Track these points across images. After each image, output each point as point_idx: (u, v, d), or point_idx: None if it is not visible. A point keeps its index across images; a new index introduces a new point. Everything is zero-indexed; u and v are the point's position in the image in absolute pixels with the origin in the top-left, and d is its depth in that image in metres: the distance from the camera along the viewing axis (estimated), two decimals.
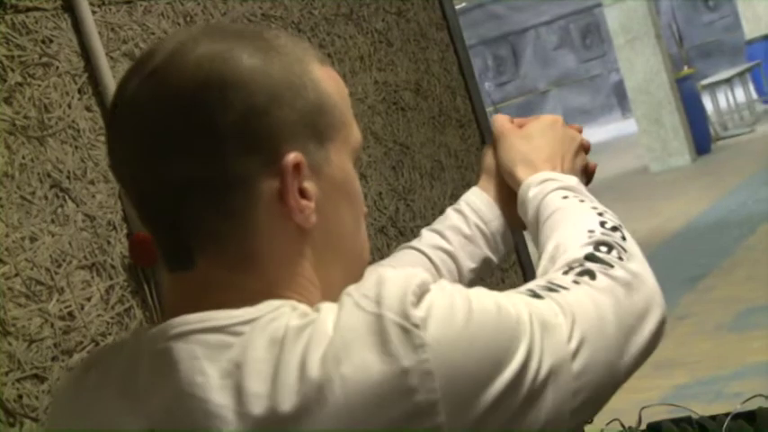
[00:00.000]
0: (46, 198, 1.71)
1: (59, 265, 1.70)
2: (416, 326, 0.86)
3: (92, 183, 1.78)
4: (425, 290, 0.90)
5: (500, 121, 1.42)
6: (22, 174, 1.68)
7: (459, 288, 0.93)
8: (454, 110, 2.67)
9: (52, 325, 1.66)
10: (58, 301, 1.68)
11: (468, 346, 0.87)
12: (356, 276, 1.04)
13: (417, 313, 0.87)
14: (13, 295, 1.62)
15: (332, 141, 1.00)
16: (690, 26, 20.80)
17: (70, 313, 1.69)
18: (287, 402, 0.85)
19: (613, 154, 15.63)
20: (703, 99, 14.50)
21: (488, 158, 1.43)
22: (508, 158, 1.37)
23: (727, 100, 15.71)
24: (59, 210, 1.72)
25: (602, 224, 1.14)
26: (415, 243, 1.44)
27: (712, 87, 15.57)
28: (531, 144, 1.37)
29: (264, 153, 0.95)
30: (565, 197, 1.25)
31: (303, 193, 0.96)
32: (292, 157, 0.95)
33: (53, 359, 1.65)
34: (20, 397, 1.60)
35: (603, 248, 1.09)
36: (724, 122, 15.35)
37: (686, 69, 14.55)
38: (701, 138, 13.52)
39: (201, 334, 0.91)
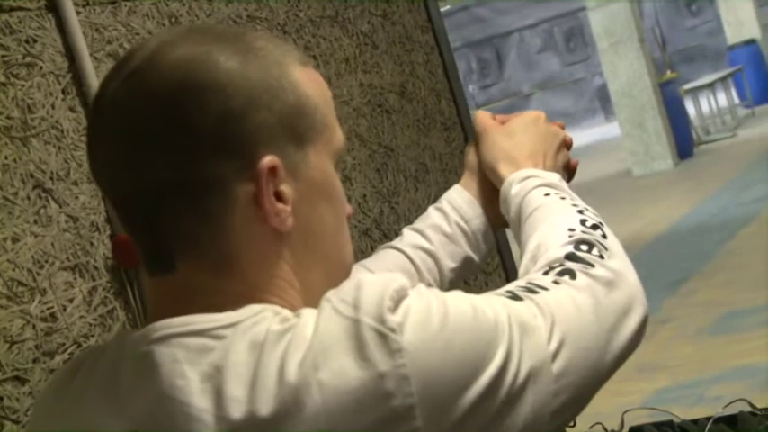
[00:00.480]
0: (29, 199, 1.69)
1: (42, 266, 1.68)
2: (393, 330, 0.85)
3: (75, 184, 1.77)
4: (403, 295, 0.89)
5: (482, 118, 1.41)
6: (4, 174, 1.66)
7: (437, 292, 0.92)
8: (439, 113, 2.67)
9: (34, 326, 1.65)
10: (39, 302, 1.67)
11: (445, 351, 0.87)
12: (339, 279, 1.03)
13: (394, 318, 0.86)
14: None
15: (312, 144, 0.99)
16: (673, 30, 20.87)
17: (52, 314, 1.68)
18: (265, 407, 0.85)
19: (596, 158, 15.65)
20: (686, 103, 14.54)
21: (471, 156, 1.42)
22: (490, 155, 1.36)
23: (710, 104, 15.76)
24: (42, 211, 1.71)
25: (583, 222, 1.14)
26: (395, 243, 1.43)
27: (695, 92, 15.61)
28: (514, 141, 1.36)
29: (241, 157, 0.94)
30: (546, 194, 1.24)
31: (279, 197, 0.96)
32: (267, 160, 0.94)
33: (34, 361, 1.64)
34: (0, 399, 1.58)
35: (584, 247, 1.08)
36: (706, 127, 15.40)
37: (669, 74, 14.61)
38: (684, 142, 13.56)
39: (183, 337, 0.91)
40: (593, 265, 1.05)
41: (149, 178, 0.94)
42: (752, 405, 1.89)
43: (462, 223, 1.39)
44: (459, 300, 0.92)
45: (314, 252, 1.01)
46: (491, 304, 0.94)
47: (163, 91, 0.94)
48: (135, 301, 1.81)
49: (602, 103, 20.20)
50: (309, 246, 1.00)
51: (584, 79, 21.73)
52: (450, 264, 1.39)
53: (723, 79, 16.26)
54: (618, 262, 1.08)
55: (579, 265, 1.05)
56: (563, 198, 1.23)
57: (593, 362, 0.98)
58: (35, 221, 1.69)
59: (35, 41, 1.76)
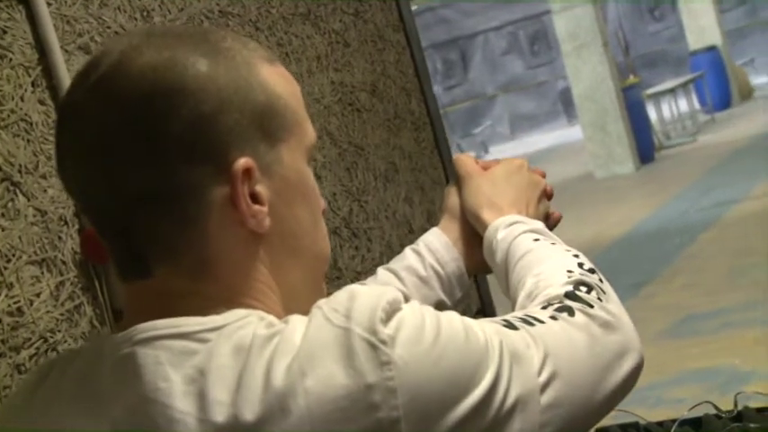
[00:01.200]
0: None
1: (9, 260, 1.66)
2: (384, 342, 0.85)
3: (44, 177, 1.75)
4: (396, 308, 0.89)
5: (465, 162, 1.39)
6: None
7: (431, 309, 0.92)
8: (409, 112, 2.66)
9: (0, 321, 1.62)
10: (6, 296, 1.64)
11: (434, 367, 0.86)
12: (317, 277, 1.04)
13: (386, 330, 0.85)
14: None
15: (284, 142, 0.98)
16: (636, 35, 21.01)
17: (19, 309, 1.65)
18: (250, 411, 0.83)
19: (559, 160, 15.73)
20: (648, 108, 14.64)
21: (452, 199, 1.40)
22: (474, 201, 1.35)
23: (671, 110, 15.89)
24: (10, 204, 1.68)
25: (581, 265, 1.14)
26: (369, 282, 1.41)
27: (657, 97, 15.73)
28: (497, 188, 1.35)
29: (214, 160, 0.93)
30: (536, 239, 1.23)
31: (255, 198, 0.94)
32: (242, 162, 0.93)
33: (0, 356, 1.61)
34: None
35: (583, 288, 1.08)
36: (667, 132, 15.51)
37: (632, 78, 14.69)
38: (645, 146, 13.65)
39: (167, 340, 0.89)
40: (592, 306, 1.05)
41: (122, 187, 0.93)
42: (716, 408, 1.90)
43: (438, 267, 1.38)
44: (453, 320, 0.92)
45: (292, 252, 1.00)
46: (484, 328, 0.93)
47: (132, 99, 0.92)
48: (103, 297, 1.79)
49: (565, 106, 20.29)
50: (287, 245, 0.99)
51: (547, 82, 21.83)
52: None
53: (684, 85, 16.40)
54: (615, 306, 1.08)
55: (578, 304, 1.05)
56: (553, 243, 1.23)
57: (584, 399, 0.98)
58: (2, 214, 1.66)
59: (4, 33, 1.74)
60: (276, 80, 0.99)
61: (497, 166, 1.39)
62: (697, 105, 16.59)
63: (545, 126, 21.17)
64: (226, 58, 0.95)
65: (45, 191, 1.74)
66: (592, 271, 1.12)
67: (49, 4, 1.79)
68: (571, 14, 13.60)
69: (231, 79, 0.94)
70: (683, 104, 16.02)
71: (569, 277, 1.10)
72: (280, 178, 0.97)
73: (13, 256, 1.66)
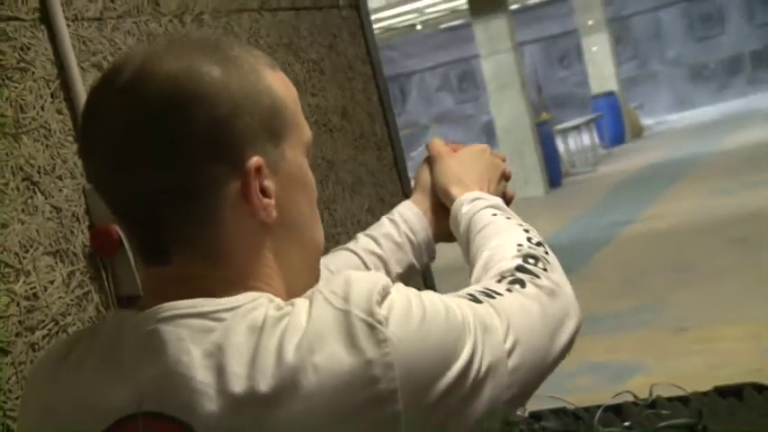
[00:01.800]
0: (18, 189, 1.61)
1: (27, 251, 1.60)
2: (380, 323, 0.83)
3: (59, 178, 1.69)
4: (387, 291, 0.87)
5: (437, 145, 1.40)
6: None
7: (414, 291, 0.91)
8: (373, 134, 2.63)
9: (18, 304, 1.57)
10: (24, 282, 1.58)
11: (423, 343, 0.85)
12: (314, 262, 1.02)
13: (381, 312, 0.84)
14: None
15: (286, 140, 0.96)
16: (548, 80, 21.22)
17: (35, 294, 1.60)
18: (264, 384, 0.81)
19: None
20: (557, 141, 14.81)
21: (424, 175, 1.40)
22: (444, 178, 1.35)
23: (576, 143, 16.08)
24: (29, 201, 1.63)
25: (529, 239, 1.14)
26: (351, 245, 1.40)
27: (565, 132, 15.91)
28: (464, 167, 1.35)
29: (229, 160, 0.90)
30: (494, 214, 1.23)
31: (264, 192, 0.92)
32: (254, 161, 0.90)
33: (17, 335, 1.55)
34: None
35: (531, 260, 1.08)
36: (573, 161, 15.68)
37: (544, 115, 14.81)
38: (554, 173, 13.80)
39: (187, 318, 0.87)
40: (539, 277, 1.05)
41: (146, 183, 0.90)
42: (635, 396, 1.89)
43: (410, 234, 1.38)
44: (434, 299, 0.90)
45: (294, 240, 0.98)
46: (458, 305, 0.92)
47: (156, 103, 0.88)
48: (108, 286, 1.73)
49: (488, 137, 20.40)
50: (290, 234, 0.97)
51: (473, 116, 21.96)
52: (397, 269, 1.37)
53: (587, 123, 16.61)
54: (558, 275, 1.08)
55: (527, 275, 1.04)
56: (509, 218, 1.23)
57: (539, 360, 0.98)
58: (23, 210, 1.61)
59: (29, 49, 1.68)
60: (278, 84, 0.96)
61: (464, 150, 1.39)
62: (597, 140, 16.81)
63: None
64: (236, 66, 0.93)
65: (60, 190, 1.68)
66: (539, 244, 1.13)
67: (68, 26, 1.74)
68: (495, 59, 13.71)
69: (242, 85, 0.92)
70: (586, 139, 16.23)
71: (519, 251, 1.10)
72: (284, 173, 0.95)
73: (31, 247, 1.61)
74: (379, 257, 1.36)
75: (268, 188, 0.92)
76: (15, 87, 1.64)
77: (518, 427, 1.89)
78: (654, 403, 1.84)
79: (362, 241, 1.39)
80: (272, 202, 0.92)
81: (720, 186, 10.30)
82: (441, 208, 1.36)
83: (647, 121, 19.36)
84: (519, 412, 1.96)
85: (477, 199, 1.27)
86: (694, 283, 6.67)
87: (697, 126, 17.59)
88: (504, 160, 1.40)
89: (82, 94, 1.73)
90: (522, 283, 1.03)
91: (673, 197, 10.48)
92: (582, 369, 5.14)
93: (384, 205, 2.55)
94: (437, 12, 16.95)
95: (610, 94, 17.48)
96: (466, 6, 14.70)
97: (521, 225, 1.19)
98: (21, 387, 1.53)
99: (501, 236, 1.16)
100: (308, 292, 0.89)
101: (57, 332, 1.61)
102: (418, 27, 18.77)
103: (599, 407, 1.89)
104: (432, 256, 1.43)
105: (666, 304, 6.30)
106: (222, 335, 0.84)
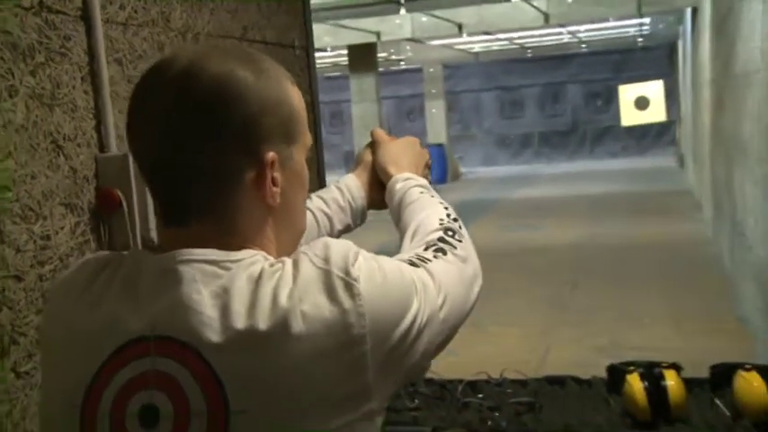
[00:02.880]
0: (46, 150, 1.49)
1: (47, 200, 1.48)
2: (355, 280, 0.80)
3: (79, 145, 1.57)
4: (357, 256, 0.84)
5: (379, 133, 1.36)
6: (33, 129, 1.46)
7: (374, 255, 0.88)
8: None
9: (35, 242, 1.45)
10: (41, 225, 1.46)
11: (386, 298, 0.82)
12: (297, 241, 0.97)
13: (354, 271, 0.81)
14: (12, 215, 1.40)
15: (296, 143, 0.91)
16: (397, 128, 21.41)
17: (48, 236, 1.48)
18: (262, 323, 0.77)
19: None
20: None
21: (367, 156, 1.34)
22: (384, 159, 1.30)
23: None
24: (53, 160, 1.51)
25: (448, 216, 1.11)
26: (307, 203, 1.34)
27: None
28: (400, 152, 1.30)
29: (251, 151, 0.85)
30: (422, 192, 1.20)
31: (274, 182, 0.87)
32: (271, 155, 0.86)
33: (31, 266, 1.44)
34: (3, 290, 1.37)
35: (450, 233, 1.05)
36: None
37: None
38: None
39: (200, 264, 0.82)
40: (455, 247, 1.02)
41: (182, 160, 0.83)
42: (489, 376, 1.90)
43: (351, 201, 1.33)
44: (390, 264, 0.88)
45: (288, 222, 0.93)
46: (407, 267, 0.90)
47: (201, 97, 0.83)
48: (104, 236, 1.62)
49: (347, 161, 20.43)
50: (286, 217, 0.92)
51: (338, 144, 21.85)
52: (338, 226, 1.32)
53: None
54: (469, 245, 1.05)
55: (448, 246, 1.02)
56: (433, 197, 1.19)
57: (460, 312, 0.96)
58: (48, 167, 1.49)
59: (69, 39, 1.56)
60: (296, 96, 0.91)
61: (401, 139, 1.35)
62: None
63: (332, 171, 21.20)
64: (266, 76, 0.87)
65: (78, 155, 1.57)
66: (455, 219, 1.10)
67: (102, 26, 1.62)
68: (362, 105, 13.81)
69: (269, 92, 0.86)
70: None
71: (441, 225, 1.07)
72: (290, 170, 0.90)
73: (50, 197, 1.49)
74: (327, 216, 1.31)
75: (277, 179, 0.87)
76: (56, 68, 1.51)
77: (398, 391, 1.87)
78: (502, 383, 1.86)
79: (316, 201, 1.33)
80: (278, 190, 0.88)
81: (509, 225, 10.66)
82: (376, 183, 1.32)
83: (463, 169, 19.83)
84: None
85: (409, 179, 1.24)
86: (488, 294, 6.80)
87: (498, 178, 18.17)
88: (429, 153, 1.38)
89: (105, 81, 1.62)
90: (444, 252, 1.00)
91: (477, 227, 10.69)
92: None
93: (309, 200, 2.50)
94: (323, 63, 16.88)
95: (440, 145, 17.76)
96: (346, 63, 14.73)
97: (441, 203, 1.15)
98: (29, 309, 1.41)
99: (426, 210, 1.13)
100: (294, 254, 0.85)
101: (60, 269, 1.49)
102: None
103: (461, 381, 1.90)
104: (363, 220, 1.38)
105: None
106: (228, 281, 0.80)
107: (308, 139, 0.94)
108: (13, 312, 1.38)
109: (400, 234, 1.13)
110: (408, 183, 1.23)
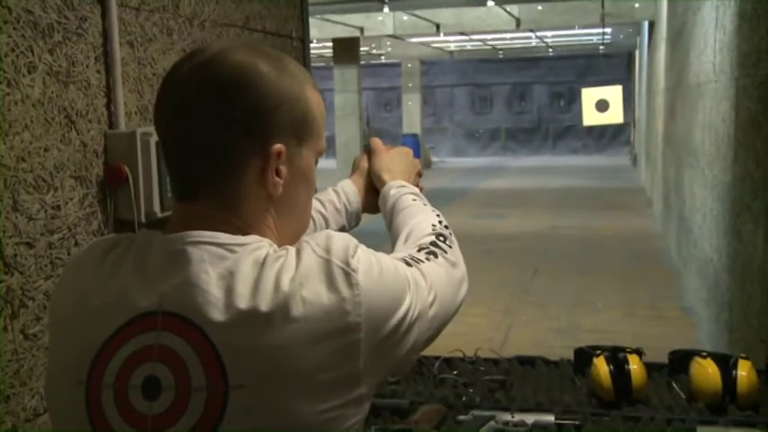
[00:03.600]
0: (60, 124, 1.46)
1: (59, 171, 1.45)
2: (354, 270, 0.79)
3: (90, 121, 1.54)
4: (357, 248, 0.83)
5: (377, 142, 1.34)
6: (48, 104, 1.43)
7: (373, 251, 0.87)
8: None
9: (46, 211, 1.41)
10: (52, 195, 1.43)
11: (381, 290, 0.81)
12: (299, 233, 0.95)
13: (354, 263, 0.80)
14: (26, 185, 1.37)
15: (306, 143, 0.89)
16: (376, 117, 21.36)
17: (58, 206, 1.45)
18: (264, 305, 0.76)
19: (320, 180, 15.69)
20: None
21: (363, 163, 1.33)
22: (379, 166, 1.29)
23: None
24: (66, 134, 1.47)
25: (440, 222, 1.09)
26: (311, 202, 1.32)
27: None
28: (394, 161, 1.30)
29: (262, 140, 0.83)
30: (414, 199, 1.19)
31: (277, 173, 0.86)
32: (277, 147, 0.84)
33: (41, 234, 1.41)
34: (15, 256, 1.34)
35: (441, 238, 1.04)
36: None
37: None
38: None
39: (209, 245, 0.80)
40: (446, 252, 1.01)
41: (199, 139, 0.82)
42: (463, 354, 1.89)
43: (347, 204, 1.31)
44: (387, 259, 0.87)
45: (289, 215, 0.91)
46: (402, 265, 0.89)
47: (222, 83, 0.81)
48: (109, 209, 1.59)
49: (328, 146, 20.27)
50: (287, 210, 0.90)
51: None
52: (333, 227, 1.30)
53: None
54: (457, 251, 1.04)
55: (439, 250, 1.01)
56: (425, 204, 1.18)
57: (447, 311, 0.94)
58: (60, 140, 1.46)
59: (86, 20, 1.52)
60: (315, 100, 0.89)
61: (395, 149, 1.33)
62: None
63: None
64: (289, 75, 0.85)
65: (89, 131, 1.54)
66: (446, 226, 1.09)
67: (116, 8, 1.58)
68: (344, 95, 13.74)
69: (288, 90, 0.84)
70: None
71: (433, 230, 1.06)
72: (296, 166, 0.88)
73: (62, 169, 1.46)
74: (324, 216, 1.29)
75: (281, 171, 0.86)
76: (72, 47, 1.48)
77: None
78: (475, 361, 1.85)
79: (313, 203, 1.32)
80: (281, 182, 0.86)
81: (478, 213, 10.70)
82: (370, 188, 1.30)
83: (435, 158, 19.85)
84: None
85: (403, 186, 1.22)
86: None
87: (467, 169, 18.20)
88: (420, 163, 1.38)
89: (117, 61, 1.58)
90: (436, 255, 0.99)
91: (447, 214, 10.30)
92: None
93: None
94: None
95: (414, 135, 17.75)
96: (330, 55, 14.62)
97: (433, 210, 1.14)
98: (39, 275, 1.38)
99: (419, 216, 1.12)
100: (297, 244, 0.84)
101: (68, 237, 1.46)
102: None
103: (437, 358, 1.88)
104: (357, 223, 1.38)
105: None
106: (233, 263, 0.78)
107: (322, 144, 0.92)
108: (23, 277, 1.35)
109: (392, 237, 1.12)
110: (402, 190, 1.22)
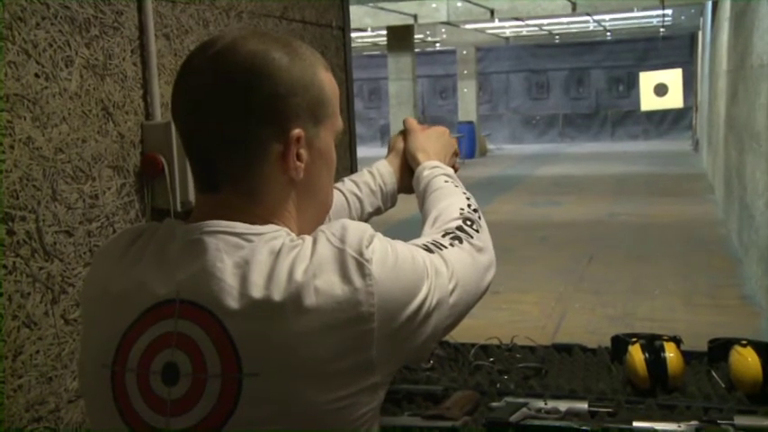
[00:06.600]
0: (97, 116, 1.49)
1: (96, 162, 1.49)
2: (367, 261, 0.78)
3: (126, 113, 1.57)
4: (372, 239, 0.82)
5: (411, 122, 1.33)
6: (86, 96, 1.46)
7: (390, 240, 0.86)
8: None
9: (84, 200, 1.46)
10: (90, 185, 1.47)
11: (396, 280, 0.80)
12: (322, 215, 0.95)
13: (368, 253, 0.79)
14: (64, 175, 1.41)
15: (323, 125, 0.89)
16: (431, 105, 21.31)
17: (96, 195, 1.49)
18: (277, 294, 0.76)
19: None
20: None
21: (399, 143, 1.32)
22: (414, 146, 1.28)
23: None
24: (103, 126, 1.51)
25: (469, 206, 1.08)
26: (339, 185, 1.32)
27: None
28: (430, 141, 1.28)
29: (278, 127, 0.83)
30: (446, 181, 1.17)
31: (298, 157, 0.85)
32: (296, 132, 0.84)
33: (80, 223, 1.45)
34: (54, 244, 1.38)
35: (468, 223, 1.02)
36: None
37: None
38: None
39: (225, 235, 0.81)
40: (472, 237, 0.99)
41: (216, 130, 0.82)
42: (500, 341, 1.88)
43: (383, 185, 1.30)
44: (403, 246, 0.86)
45: (311, 197, 0.91)
46: (420, 253, 0.87)
47: (235, 73, 0.81)
48: (146, 198, 1.63)
49: (382, 135, 20.33)
50: (309, 192, 0.90)
51: (374, 119, 21.76)
52: (369, 209, 1.30)
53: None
54: (486, 236, 1.03)
55: (465, 235, 0.99)
56: (456, 186, 1.16)
57: (469, 299, 0.93)
58: (98, 132, 1.49)
59: (122, 14, 1.55)
60: (328, 82, 0.89)
61: (431, 129, 1.32)
62: None
63: (368, 144, 21.05)
64: (301, 60, 0.85)
65: (126, 122, 1.57)
66: (475, 210, 1.07)
67: (152, 2, 1.61)
68: (399, 83, 13.71)
69: (301, 75, 0.84)
70: None
71: (461, 214, 1.04)
72: (316, 148, 0.88)
73: (100, 160, 1.50)
74: (359, 198, 1.29)
75: (302, 155, 0.85)
76: (108, 40, 1.51)
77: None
78: (512, 348, 1.83)
79: (348, 184, 1.31)
80: (302, 165, 0.86)
81: (533, 200, 10.55)
82: (406, 169, 1.29)
83: (490, 146, 19.65)
84: None
85: (437, 167, 1.21)
86: (508, 262, 6.78)
87: (523, 156, 17.97)
88: (458, 142, 1.35)
89: (153, 54, 1.62)
90: (461, 240, 0.97)
91: (502, 201, 10.65)
92: None
93: (338, 175, 2.49)
94: (363, 42, 16.77)
95: (470, 122, 17.63)
96: (384, 43, 14.60)
97: (464, 193, 1.13)
98: (78, 262, 1.43)
99: (449, 198, 1.10)
100: (314, 233, 0.84)
101: (107, 225, 1.51)
102: None
103: (473, 345, 1.87)
104: (393, 203, 1.36)
105: None
106: (249, 253, 0.79)
107: (338, 122, 0.92)
108: (63, 264, 1.39)
109: (422, 218, 1.10)
110: (435, 171, 1.20)
